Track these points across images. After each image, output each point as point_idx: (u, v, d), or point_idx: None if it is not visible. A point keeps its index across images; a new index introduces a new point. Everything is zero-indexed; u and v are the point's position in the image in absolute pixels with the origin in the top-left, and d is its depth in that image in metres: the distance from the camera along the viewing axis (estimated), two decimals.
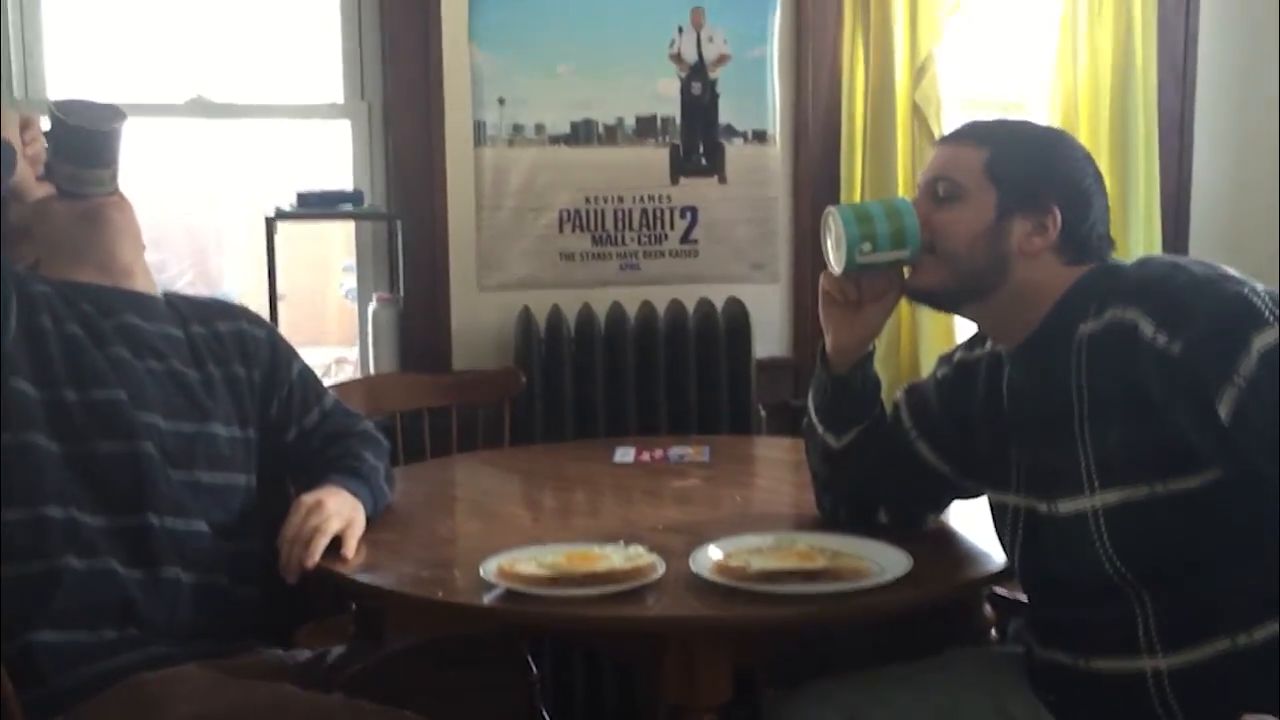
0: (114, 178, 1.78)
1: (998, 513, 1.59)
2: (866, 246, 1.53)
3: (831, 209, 1.59)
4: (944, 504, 1.77)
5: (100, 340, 1.72)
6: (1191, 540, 1.37)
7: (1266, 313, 1.27)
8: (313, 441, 1.93)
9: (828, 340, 1.69)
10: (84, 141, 1.74)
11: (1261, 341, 1.25)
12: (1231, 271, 1.36)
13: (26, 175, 1.72)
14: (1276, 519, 1.32)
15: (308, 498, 1.74)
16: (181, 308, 1.87)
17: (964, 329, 1.66)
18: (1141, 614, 1.40)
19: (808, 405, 1.76)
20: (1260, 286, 1.32)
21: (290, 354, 1.96)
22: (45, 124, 1.76)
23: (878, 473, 1.72)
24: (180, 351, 1.81)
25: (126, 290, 1.79)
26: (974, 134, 1.54)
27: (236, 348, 1.87)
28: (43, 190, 1.75)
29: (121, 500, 1.66)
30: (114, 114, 1.76)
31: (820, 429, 1.73)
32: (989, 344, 1.61)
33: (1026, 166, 1.49)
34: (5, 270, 1.65)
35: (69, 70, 2.83)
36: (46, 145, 1.73)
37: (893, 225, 1.53)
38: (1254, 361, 1.24)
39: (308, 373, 1.97)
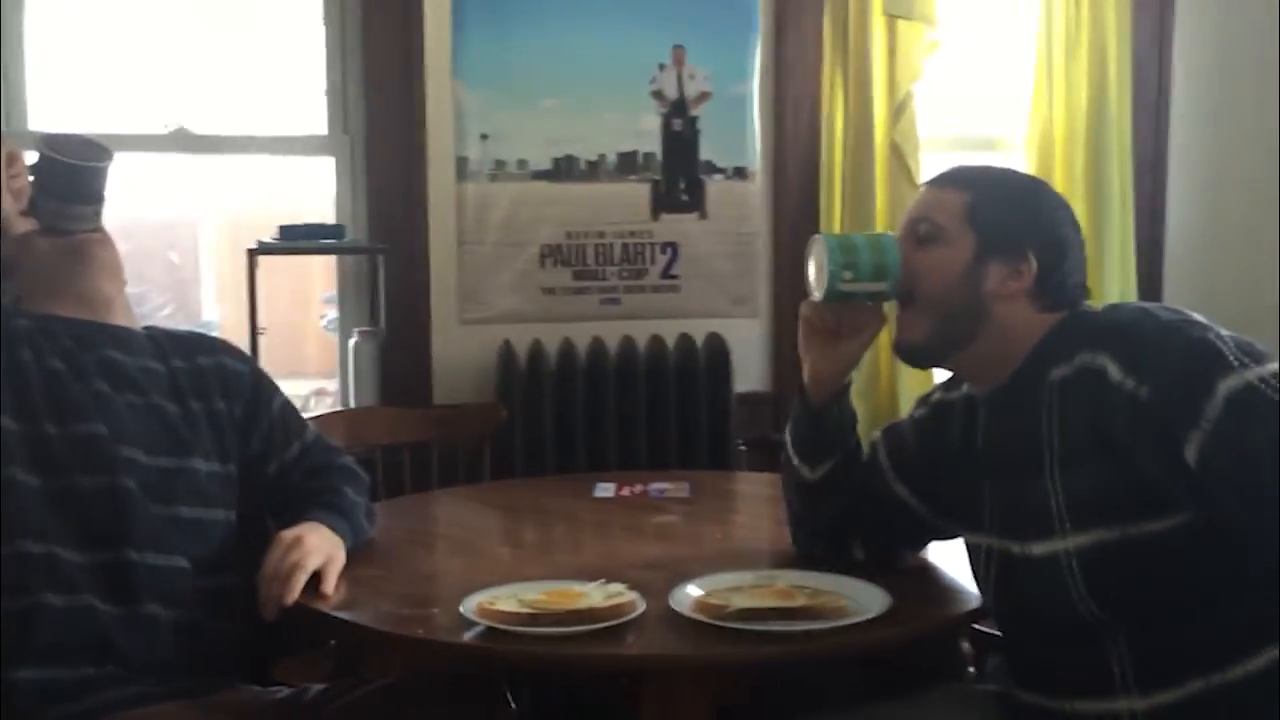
0: (98, 214, 1.79)
1: (972, 553, 1.60)
2: (848, 275, 1.56)
3: (818, 236, 1.62)
4: (921, 543, 1.78)
5: (81, 374, 1.71)
6: (1164, 581, 1.38)
7: (1232, 357, 1.29)
8: (293, 475, 1.92)
9: (805, 370, 1.71)
10: (70, 178, 1.74)
11: (1227, 386, 1.27)
12: (1198, 317, 1.38)
13: (10, 210, 1.72)
14: (1245, 560, 1.33)
15: (287, 534, 1.73)
16: (162, 342, 1.87)
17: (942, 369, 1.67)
18: (1117, 655, 1.41)
19: (785, 437, 1.78)
20: (1225, 332, 1.34)
21: (271, 388, 1.96)
22: (30, 158, 1.76)
23: (852, 507, 1.73)
24: (161, 386, 1.81)
25: (107, 325, 1.79)
26: (957, 179, 1.56)
27: (218, 382, 1.87)
28: (26, 225, 1.74)
29: (101, 536, 1.65)
30: (101, 151, 1.77)
31: (796, 460, 1.75)
32: (965, 386, 1.63)
33: (1005, 213, 1.51)
34: None
35: (51, 102, 2.83)
36: (31, 180, 1.74)
37: (876, 257, 1.55)
38: (1219, 406, 1.26)
39: (288, 407, 1.97)
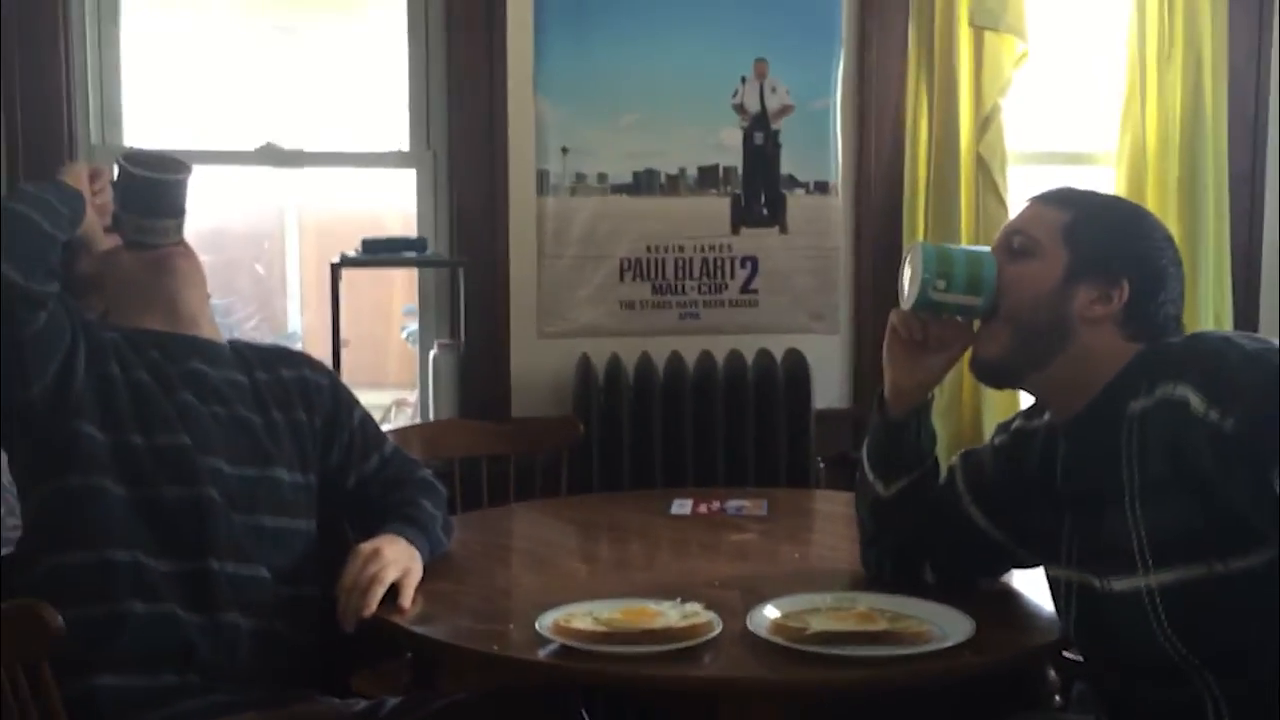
0: (179, 228, 1.82)
1: (1053, 586, 1.57)
2: (941, 284, 1.53)
3: (917, 243, 1.60)
4: (996, 571, 1.75)
5: (167, 386, 1.74)
6: (1255, 620, 1.33)
7: None
8: (372, 488, 1.94)
9: (886, 381, 1.68)
10: (151, 192, 1.78)
11: None
12: None
13: (94, 226, 1.77)
14: None
15: (365, 546, 1.74)
16: (246, 354, 1.90)
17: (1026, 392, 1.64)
18: (1209, 695, 1.36)
19: (861, 452, 1.75)
20: None
21: (351, 401, 1.98)
22: (113, 175, 1.80)
23: (926, 529, 1.70)
24: (245, 397, 1.83)
25: (192, 336, 1.82)
26: (1060, 197, 1.54)
27: (300, 394, 1.90)
28: (110, 241, 1.79)
29: (184, 545, 1.68)
30: (180, 165, 1.81)
31: (871, 476, 1.72)
32: (1047, 415, 1.59)
33: (1104, 236, 1.49)
34: (73, 316, 1.69)
35: (144, 117, 2.89)
36: (114, 196, 1.78)
37: (972, 271, 1.53)
38: None
39: (368, 420, 1.99)
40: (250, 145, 2.92)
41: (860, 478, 1.75)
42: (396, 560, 1.73)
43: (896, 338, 1.65)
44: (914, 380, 1.65)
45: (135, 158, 1.80)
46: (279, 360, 1.94)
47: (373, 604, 1.66)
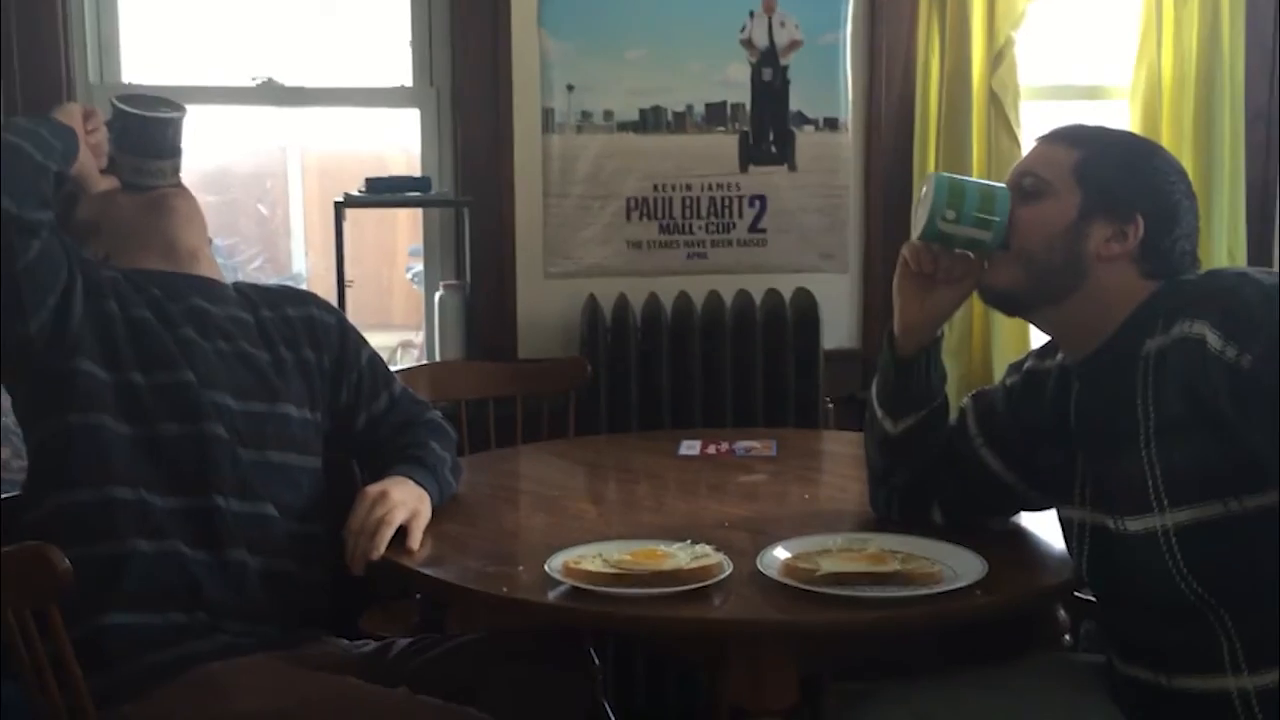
0: (176, 169, 1.81)
1: (1065, 527, 1.56)
2: (950, 214, 1.52)
3: (932, 173, 1.59)
4: (1006, 512, 1.74)
5: (168, 323, 1.73)
6: (1270, 557, 1.32)
7: None
8: (381, 429, 1.93)
9: (896, 316, 1.66)
10: (145, 132, 1.76)
11: None
12: None
13: (90, 167, 1.74)
14: None
15: (373, 489, 1.73)
16: (250, 294, 1.88)
17: (1038, 331, 1.61)
18: (1224, 633, 1.36)
19: (870, 391, 1.73)
20: None
21: (359, 340, 1.96)
22: (107, 115, 1.78)
23: (935, 468, 1.70)
24: (249, 334, 1.82)
25: (193, 275, 1.80)
26: (1069, 135, 1.52)
27: (306, 333, 1.88)
28: (106, 183, 1.78)
29: (187, 481, 1.67)
30: (173, 105, 1.79)
31: (880, 413, 1.71)
32: (1060, 355, 1.58)
33: (1116, 173, 1.47)
34: (70, 251, 1.67)
35: (142, 56, 2.85)
36: (108, 137, 1.76)
37: (983, 205, 1.51)
38: None
39: (376, 359, 1.97)
40: (250, 82, 2.88)
41: (869, 416, 1.74)
42: (404, 502, 1.72)
43: (907, 271, 1.63)
44: (923, 315, 1.63)
45: (128, 98, 1.78)
46: (285, 299, 1.92)
47: (380, 547, 1.66)
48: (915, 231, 1.58)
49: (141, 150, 1.77)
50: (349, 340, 1.93)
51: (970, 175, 2.85)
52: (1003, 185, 1.55)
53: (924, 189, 1.58)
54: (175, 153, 1.80)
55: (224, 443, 1.69)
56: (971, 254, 1.57)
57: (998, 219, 1.50)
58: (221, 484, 1.68)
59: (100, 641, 1.58)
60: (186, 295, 1.77)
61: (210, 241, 1.88)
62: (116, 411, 1.65)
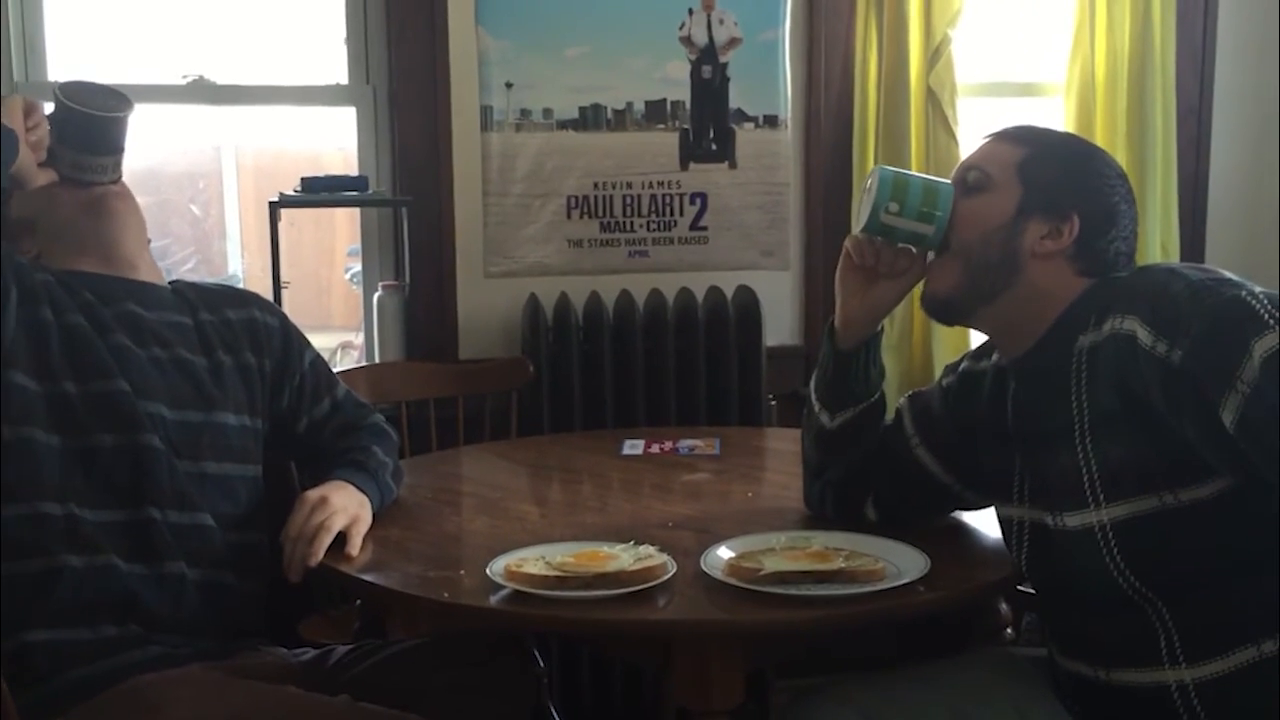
0: (117, 165, 1.75)
1: (1004, 526, 1.57)
2: (894, 207, 1.53)
3: (878, 166, 1.60)
4: (939, 512, 1.75)
5: (102, 329, 1.68)
6: (1206, 550, 1.34)
7: (1266, 316, 1.24)
8: (323, 433, 1.90)
9: (838, 309, 1.67)
10: (88, 127, 1.69)
11: (1263, 346, 1.22)
12: (1229, 275, 1.33)
13: (28, 161, 1.67)
14: None
15: (312, 493, 1.70)
16: (189, 295, 1.84)
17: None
18: (1161, 626, 1.37)
19: (809, 385, 1.74)
20: (1259, 289, 1.29)
21: (303, 342, 1.93)
22: (48, 108, 1.72)
23: (870, 465, 1.70)
24: (188, 339, 1.77)
25: (129, 279, 1.76)
26: (1015, 134, 1.54)
27: (248, 335, 1.84)
28: (45, 177, 1.70)
29: (123, 494, 1.63)
30: (120, 101, 1.72)
31: (816, 407, 1.71)
32: (995, 355, 1.60)
33: (1057, 172, 1.49)
34: (5, 261, 1.62)
35: (70, 52, 2.78)
36: (50, 130, 1.68)
37: (927, 199, 1.53)
38: (1256, 366, 1.21)
39: (320, 362, 1.94)
40: (181, 80, 2.82)
41: (807, 409, 1.74)
42: (345, 508, 1.70)
43: (850, 263, 1.64)
44: (864, 308, 1.64)
45: (73, 92, 1.71)
46: (225, 301, 1.87)
47: (319, 553, 1.63)
48: (858, 224, 1.59)
49: (83, 146, 1.70)
50: (291, 343, 1.90)
51: (910, 171, 2.88)
52: (946, 181, 1.56)
53: (868, 182, 1.58)
54: (119, 149, 1.74)
55: (160, 454, 1.65)
56: (914, 249, 1.58)
57: (940, 213, 1.52)
58: (158, 496, 1.64)
59: (28, 657, 1.54)
60: (121, 300, 1.73)
61: (149, 242, 1.83)
62: (48, 424, 1.61)
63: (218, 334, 1.81)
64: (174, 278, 1.90)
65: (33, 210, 1.73)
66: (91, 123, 1.69)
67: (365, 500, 1.75)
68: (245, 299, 1.91)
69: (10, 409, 1.59)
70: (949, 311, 1.55)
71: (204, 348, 1.78)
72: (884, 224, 1.55)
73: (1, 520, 1.57)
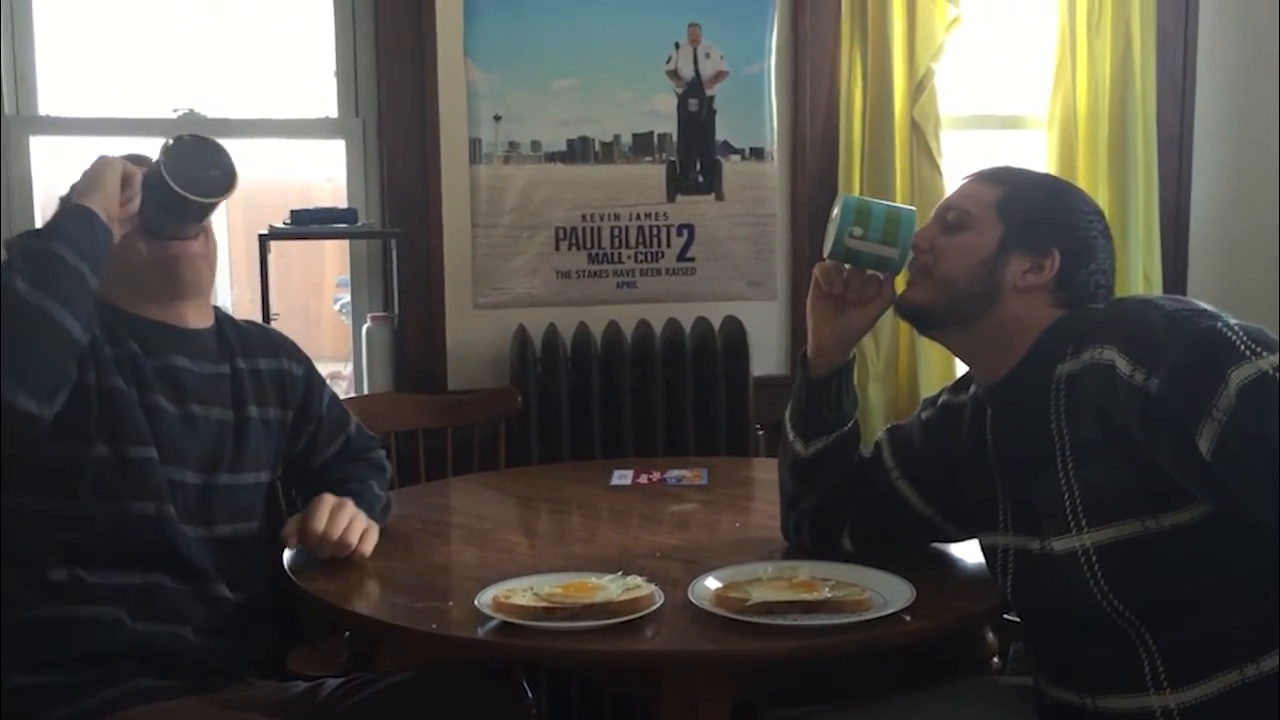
0: (201, 228, 1.74)
1: (989, 555, 1.59)
2: (857, 231, 1.58)
3: (841, 194, 1.65)
4: (918, 543, 1.75)
5: (142, 387, 1.68)
6: (1189, 574, 1.36)
7: (1242, 346, 1.26)
8: (331, 468, 1.95)
9: (809, 337, 1.70)
10: (184, 203, 1.66)
11: (1239, 376, 1.23)
12: (1205, 306, 1.35)
13: (114, 229, 1.61)
14: (1269, 548, 1.30)
15: (330, 496, 1.76)
16: (230, 338, 1.84)
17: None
18: (1145, 651, 1.38)
19: (785, 414, 1.76)
20: (1234, 320, 1.31)
21: (322, 386, 1.97)
22: (150, 156, 1.68)
23: (846, 495, 1.71)
24: (221, 393, 1.79)
25: (177, 327, 1.76)
26: (994, 175, 1.58)
27: (275, 387, 1.87)
28: (125, 228, 1.64)
29: (139, 560, 1.64)
30: (225, 182, 1.68)
31: (791, 435, 1.73)
32: (973, 388, 1.62)
33: (1035, 209, 1.53)
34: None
35: (61, 85, 2.80)
36: (143, 189, 1.64)
37: (890, 224, 1.58)
38: (1233, 396, 1.23)
39: (334, 401, 1.99)
40: (172, 114, 2.83)
41: (783, 438, 1.76)
42: (360, 513, 1.77)
43: (819, 292, 1.67)
44: (835, 335, 1.67)
45: (179, 168, 1.63)
46: (260, 346, 1.89)
47: (352, 542, 1.73)
48: (825, 250, 1.63)
49: (175, 214, 1.67)
50: (313, 390, 1.94)
51: (895, 202, 2.91)
52: (909, 207, 1.61)
53: (834, 211, 1.62)
54: (207, 217, 1.72)
55: (174, 522, 1.66)
56: (881, 275, 1.62)
57: (903, 236, 1.56)
58: (172, 564, 1.66)
59: (22, 699, 1.55)
60: (165, 351, 1.73)
61: (213, 284, 1.82)
62: (71, 490, 1.60)
63: (251, 384, 1.83)
64: (220, 309, 1.89)
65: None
66: (186, 202, 1.65)
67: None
68: (277, 347, 1.93)
69: (31, 475, 1.59)
70: (921, 318, 1.58)
71: (235, 400, 1.80)
72: (849, 248, 1.59)
73: (9, 579, 1.58)
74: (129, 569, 1.63)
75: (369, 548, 1.75)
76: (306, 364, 1.95)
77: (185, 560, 1.67)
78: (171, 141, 1.67)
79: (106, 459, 1.63)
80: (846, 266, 1.63)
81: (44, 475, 1.60)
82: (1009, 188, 1.54)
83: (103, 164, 1.62)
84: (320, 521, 1.71)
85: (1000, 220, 1.51)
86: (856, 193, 2.97)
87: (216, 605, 1.70)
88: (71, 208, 1.58)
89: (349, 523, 1.73)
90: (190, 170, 1.65)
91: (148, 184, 1.64)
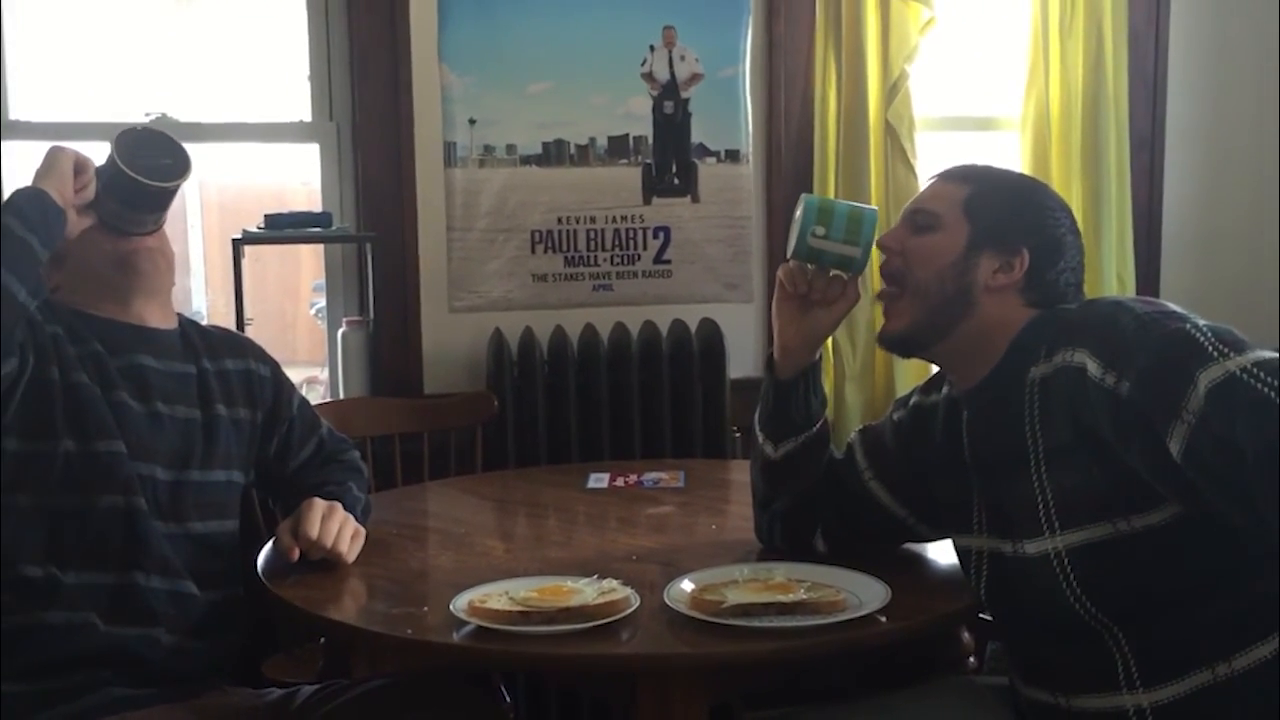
0: (159, 220, 1.73)
1: (963, 556, 1.59)
2: (820, 230, 1.59)
3: (804, 195, 1.66)
4: (892, 543, 1.76)
5: (106, 384, 1.68)
6: (1160, 575, 1.36)
7: (1211, 348, 1.26)
8: (307, 472, 1.93)
9: (775, 340, 1.70)
10: (140, 192, 1.65)
11: (1208, 377, 1.24)
12: (1174, 308, 1.36)
13: (70, 216, 1.61)
14: (1241, 549, 1.32)
15: (320, 500, 1.75)
16: (194, 338, 1.84)
17: None
18: (1118, 651, 1.39)
19: (754, 416, 1.76)
20: (1203, 322, 1.31)
21: (290, 388, 1.96)
22: (103, 151, 1.67)
23: (818, 496, 1.72)
24: (188, 391, 1.78)
25: (140, 326, 1.75)
26: (959, 174, 1.58)
27: (243, 389, 1.86)
28: (84, 222, 1.64)
29: (111, 557, 1.63)
30: (177, 164, 1.68)
31: (761, 438, 1.74)
32: (945, 388, 1.62)
33: (1003, 208, 1.53)
34: (25, 348, 1.60)
35: (32, 89, 2.78)
36: (98, 182, 1.63)
37: (852, 223, 1.60)
38: (1201, 397, 1.23)
39: (304, 404, 1.98)
40: (144, 117, 2.82)
41: (753, 440, 1.77)
42: (349, 517, 1.77)
43: (784, 293, 1.68)
44: (800, 336, 1.68)
45: (131, 147, 1.64)
46: (225, 348, 1.88)
47: (345, 546, 1.73)
48: (788, 251, 1.64)
49: (129, 203, 1.66)
50: (282, 391, 1.93)
51: (870, 204, 2.92)
52: (871, 206, 1.63)
53: (796, 212, 1.63)
54: (165, 207, 1.71)
55: (146, 516, 1.65)
56: (845, 275, 1.63)
57: (865, 235, 1.58)
58: (144, 561, 1.65)
59: None
60: (129, 350, 1.72)
61: (173, 284, 1.81)
62: (43, 485, 1.60)
63: (218, 384, 1.82)
64: (182, 314, 1.88)
65: (64, 246, 1.70)
66: (144, 189, 1.65)
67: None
68: (243, 348, 1.92)
69: (4, 474, 1.58)
70: (906, 346, 1.58)
71: (202, 400, 1.79)
72: (811, 247, 1.60)
73: None
74: (102, 568, 1.62)
75: (356, 552, 1.75)
76: (273, 365, 1.94)
77: (157, 557, 1.65)
78: (122, 132, 1.68)
79: (74, 453, 1.62)
80: (810, 267, 1.64)
81: (12, 472, 1.58)
82: (975, 186, 1.54)
83: (56, 151, 1.62)
84: (314, 527, 1.70)
85: (968, 220, 1.51)
86: (832, 195, 2.97)
87: (189, 604, 1.68)
88: (24, 188, 1.58)
89: (340, 527, 1.73)
90: (143, 159, 1.66)
91: (103, 176, 1.64)
